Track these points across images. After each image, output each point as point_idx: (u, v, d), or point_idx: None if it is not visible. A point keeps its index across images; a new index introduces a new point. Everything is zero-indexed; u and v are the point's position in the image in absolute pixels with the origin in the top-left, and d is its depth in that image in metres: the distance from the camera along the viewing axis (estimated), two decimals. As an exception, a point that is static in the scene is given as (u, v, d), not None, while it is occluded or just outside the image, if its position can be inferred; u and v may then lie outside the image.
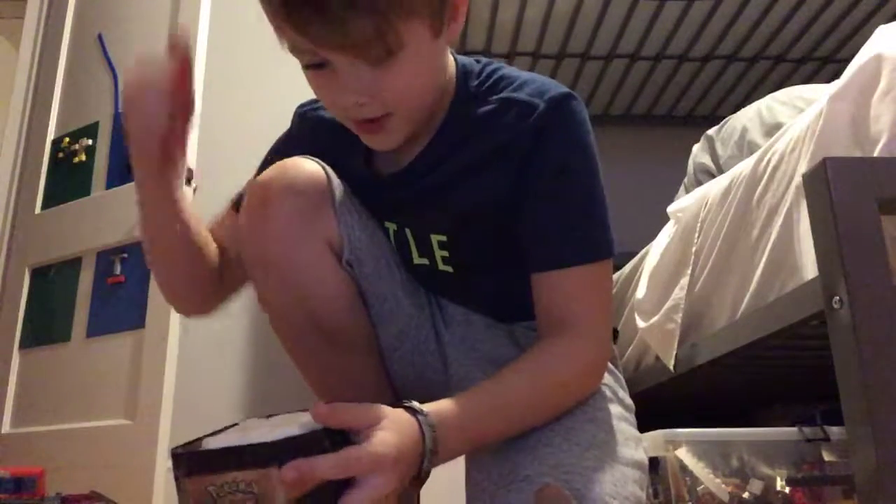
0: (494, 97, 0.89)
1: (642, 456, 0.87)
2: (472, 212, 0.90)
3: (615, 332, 1.01)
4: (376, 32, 0.73)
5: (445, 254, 0.93)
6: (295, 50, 0.78)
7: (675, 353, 1.40)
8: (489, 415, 0.79)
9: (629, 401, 0.94)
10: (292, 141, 1.01)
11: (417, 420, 0.71)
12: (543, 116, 0.85)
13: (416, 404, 0.73)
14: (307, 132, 1.00)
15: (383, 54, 0.75)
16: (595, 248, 0.86)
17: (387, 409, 0.70)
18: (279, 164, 0.88)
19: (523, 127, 0.85)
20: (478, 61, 0.93)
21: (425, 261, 0.95)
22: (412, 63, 0.78)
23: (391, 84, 0.79)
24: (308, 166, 0.87)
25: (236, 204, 0.98)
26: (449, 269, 0.94)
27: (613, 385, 0.93)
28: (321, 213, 0.86)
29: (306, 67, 0.81)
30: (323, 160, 0.91)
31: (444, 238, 0.92)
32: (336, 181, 0.90)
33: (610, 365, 0.95)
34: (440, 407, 0.75)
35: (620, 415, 0.90)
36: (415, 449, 0.70)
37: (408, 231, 0.94)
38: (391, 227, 0.95)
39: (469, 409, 0.77)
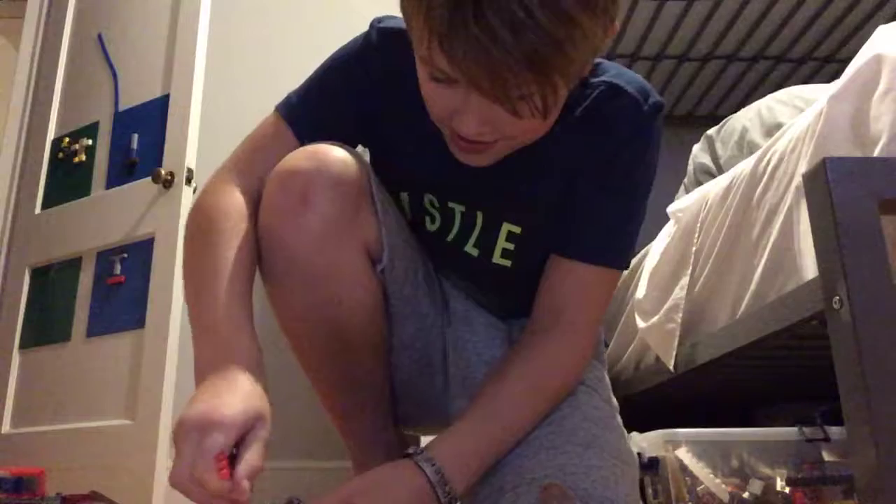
0: (595, 80, 0.86)
1: (634, 453, 0.89)
2: (555, 199, 0.87)
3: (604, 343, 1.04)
4: (538, 95, 0.67)
5: (510, 246, 0.91)
6: (429, 65, 0.70)
7: (675, 353, 1.40)
8: (494, 433, 0.79)
9: (615, 402, 0.95)
10: (370, 58, 0.88)
11: (419, 467, 0.73)
12: (645, 119, 0.84)
13: (413, 450, 0.75)
14: (388, 60, 0.87)
15: (531, 112, 0.69)
16: (622, 257, 0.88)
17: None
18: (318, 152, 0.80)
19: (626, 123, 0.84)
20: None
21: (476, 251, 0.92)
22: (550, 113, 0.72)
23: (521, 126, 0.73)
24: (350, 159, 0.82)
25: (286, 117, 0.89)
26: (506, 263, 0.92)
27: (600, 386, 0.94)
28: (362, 212, 0.82)
29: (432, 77, 0.72)
30: (397, 104, 0.85)
31: (517, 229, 0.90)
32: (373, 175, 0.85)
33: (601, 367, 0.97)
34: (442, 444, 0.76)
35: (611, 413, 0.91)
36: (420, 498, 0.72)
37: (479, 215, 0.90)
38: (459, 208, 0.90)
39: (473, 434, 0.78)
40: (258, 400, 0.66)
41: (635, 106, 0.84)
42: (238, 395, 0.65)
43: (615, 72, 0.86)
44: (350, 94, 0.89)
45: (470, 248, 0.93)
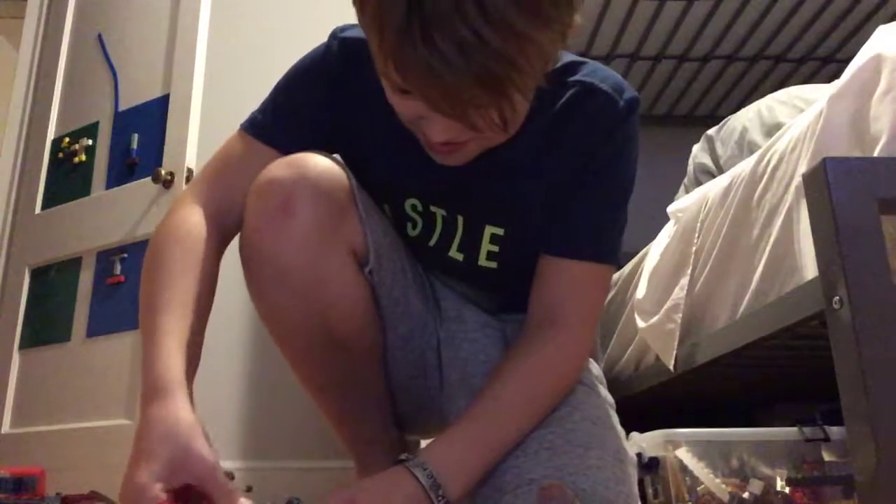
0: (571, 79, 0.86)
1: (633, 452, 0.89)
2: (535, 200, 0.87)
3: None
4: (495, 110, 0.67)
5: (494, 248, 0.90)
6: (389, 80, 0.70)
7: (675, 353, 1.40)
8: (490, 435, 0.79)
9: (612, 400, 0.96)
10: (334, 68, 0.88)
11: (412, 472, 0.73)
12: (621, 116, 0.84)
13: (406, 456, 0.75)
14: (351, 71, 0.87)
15: (488, 126, 0.69)
16: (611, 252, 0.88)
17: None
18: (297, 160, 0.80)
19: (603, 121, 0.84)
20: None
21: (461, 256, 0.92)
22: (510, 124, 0.72)
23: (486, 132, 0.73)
24: (330, 164, 0.82)
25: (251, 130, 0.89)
26: (492, 265, 0.92)
27: (597, 385, 0.94)
28: (346, 216, 0.82)
29: (394, 89, 0.72)
30: (370, 112, 0.85)
31: (500, 231, 0.89)
32: (355, 181, 0.85)
33: (598, 366, 0.97)
34: (435, 449, 0.76)
35: (609, 413, 0.91)
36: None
37: (459, 219, 0.90)
38: (439, 212, 0.90)
39: (467, 437, 0.78)
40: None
41: (611, 103, 0.84)
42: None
43: (589, 70, 0.86)
44: (319, 105, 0.88)
45: (454, 254, 0.92)
